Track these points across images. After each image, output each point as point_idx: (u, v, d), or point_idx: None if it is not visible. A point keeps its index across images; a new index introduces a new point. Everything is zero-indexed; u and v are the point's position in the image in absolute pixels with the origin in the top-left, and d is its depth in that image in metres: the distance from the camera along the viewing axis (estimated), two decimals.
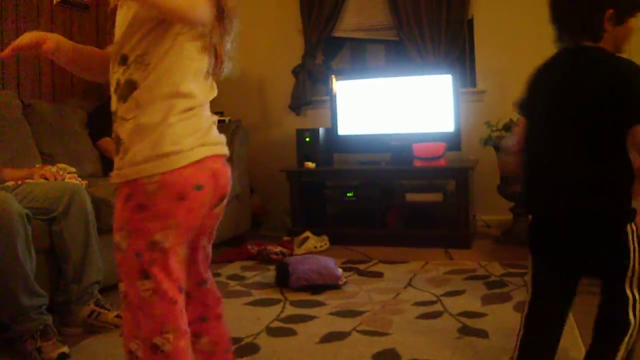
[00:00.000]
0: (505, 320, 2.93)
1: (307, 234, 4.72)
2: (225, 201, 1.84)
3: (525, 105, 2.13)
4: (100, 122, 4.53)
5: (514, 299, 3.25)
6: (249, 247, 4.51)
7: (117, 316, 2.99)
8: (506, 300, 3.25)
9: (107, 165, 4.47)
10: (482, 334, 2.77)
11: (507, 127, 4.65)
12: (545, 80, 2.05)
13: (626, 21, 1.91)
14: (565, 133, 1.92)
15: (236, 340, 2.76)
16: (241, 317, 3.13)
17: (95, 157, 4.51)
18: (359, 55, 6.23)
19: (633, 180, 1.85)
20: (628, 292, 1.89)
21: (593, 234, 1.90)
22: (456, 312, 3.09)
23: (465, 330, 2.82)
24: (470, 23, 5.42)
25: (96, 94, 5.03)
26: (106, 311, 3.02)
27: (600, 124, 1.85)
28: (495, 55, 5.34)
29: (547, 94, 2.01)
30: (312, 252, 4.52)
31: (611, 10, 1.88)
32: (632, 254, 1.87)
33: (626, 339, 1.88)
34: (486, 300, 3.27)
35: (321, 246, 4.69)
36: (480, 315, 3.03)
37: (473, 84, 5.48)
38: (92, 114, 4.63)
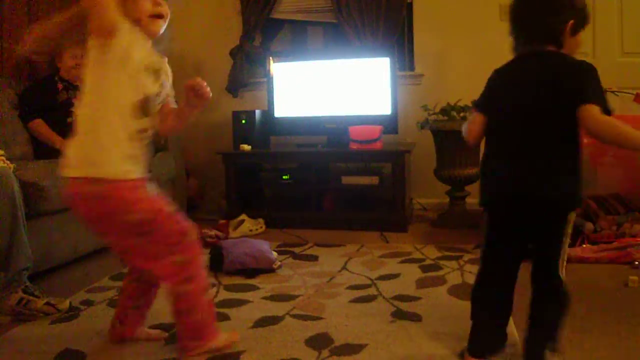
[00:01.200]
0: (440, 304, 2.94)
1: (243, 217, 4.68)
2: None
3: (488, 103, 2.27)
4: (32, 103, 4.41)
5: (449, 282, 3.27)
6: None
7: (47, 303, 2.92)
8: (441, 284, 3.26)
9: (38, 148, 4.35)
10: (415, 317, 2.76)
11: (444, 111, 4.66)
12: (518, 78, 2.19)
13: (578, 33, 2.16)
14: (538, 124, 2.08)
15: (169, 326, 2.71)
16: None
17: (26, 140, 4.37)
18: (299, 37, 6.19)
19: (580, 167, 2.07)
20: (560, 272, 2.12)
21: (545, 217, 2.10)
22: (390, 295, 3.08)
23: (398, 314, 2.81)
24: (410, 7, 5.42)
25: (27, 74, 4.88)
26: (35, 298, 2.93)
27: (564, 115, 2.01)
28: (433, 39, 5.36)
29: (522, 90, 2.15)
30: (248, 235, 4.48)
31: (572, 22, 2.11)
32: (564, 239, 2.10)
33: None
34: (421, 283, 3.28)
35: (257, 229, 4.65)
36: (415, 298, 3.03)
37: (411, 67, 5.49)
38: (23, 94, 4.49)
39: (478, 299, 2.29)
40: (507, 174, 2.13)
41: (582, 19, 2.15)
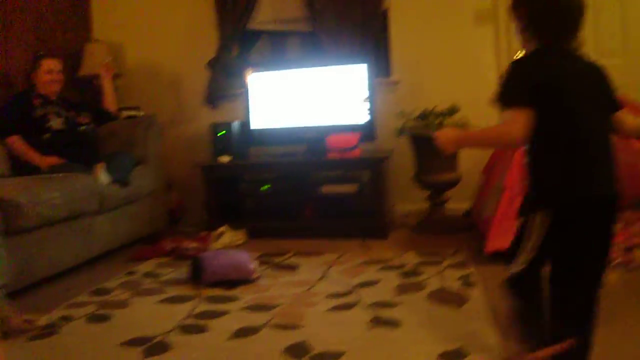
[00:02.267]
0: (419, 309, 2.95)
1: (224, 228, 4.68)
2: None
3: (539, 95, 2.01)
4: (10, 119, 4.39)
5: (428, 288, 3.28)
6: (165, 244, 4.44)
7: (26, 321, 2.91)
8: (420, 289, 3.27)
9: (16, 164, 4.34)
10: (394, 324, 2.77)
11: (422, 117, 4.68)
12: (577, 72, 2.08)
13: None
14: (599, 120, 2.05)
15: (147, 339, 2.71)
16: (154, 315, 3.07)
17: (3, 156, 4.35)
18: (278, 48, 6.20)
19: None
20: None
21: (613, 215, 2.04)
22: (369, 302, 3.09)
23: (377, 321, 2.82)
24: (385, 14, 5.44)
25: (4, 88, 4.86)
26: (12, 316, 2.92)
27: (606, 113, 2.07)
28: (410, 45, 5.38)
29: (574, 85, 2.04)
30: (229, 246, 4.48)
31: None
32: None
33: None
34: (400, 289, 3.29)
35: (238, 240, 4.65)
36: (394, 305, 3.04)
37: (387, 74, 5.51)
38: (0, 109, 4.48)
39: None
40: (592, 172, 2.00)
41: None
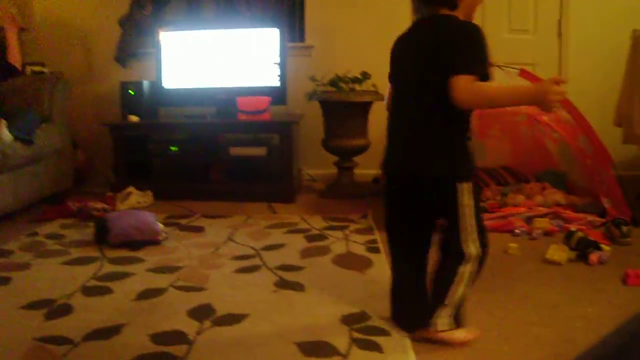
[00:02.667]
0: (323, 273, 3.01)
1: (131, 189, 4.63)
2: None
3: (391, 74, 2.30)
4: None
5: (333, 252, 3.34)
6: (70, 204, 4.37)
7: None
8: (325, 253, 3.33)
9: None
10: (298, 287, 2.82)
11: (333, 82, 4.72)
12: (402, 49, 2.23)
13: None
14: (411, 95, 2.14)
15: (49, 301, 2.67)
16: (57, 277, 3.02)
17: None
18: (193, 8, 6.10)
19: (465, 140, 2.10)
20: (463, 246, 2.12)
21: (427, 190, 2.13)
22: (274, 265, 3.13)
23: (281, 284, 2.86)
24: None
25: None
26: None
27: (434, 84, 2.03)
28: (324, 11, 5.39)
29: (404, 61, 2.20)
30: (136, 207, 4.44)
31: None
32: (461, 210, 2.09)
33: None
34: (305, 253, 3.34)
35: (145, 201, 4.61)
36: (299, 268, 3.08)
37: (301, 38, 5.51)
38: None
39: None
40: (390, 150, 2.21)
41: None
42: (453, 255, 2.13)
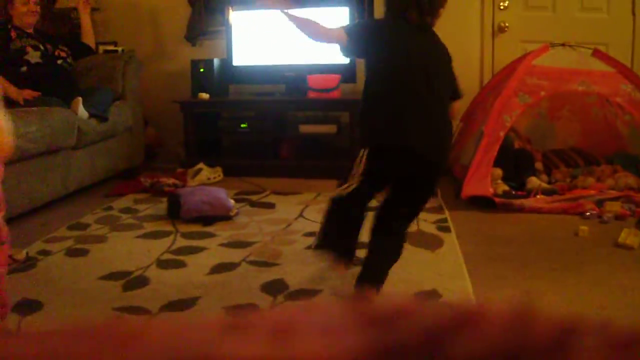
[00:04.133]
0: None
1: (201, 165, 4.68)
2: None
3: (396, 54, 2.39)
4: None
5: None
6: (142, 179, 4.44)
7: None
8: None
9: None
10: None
11: None
12: (420, 43, 2.40)
13: None
14: (434, 88, 2.33)
15: (126, 273, 2.74)
16: (132, 250, 3.09)
17: None
18: None
19: None
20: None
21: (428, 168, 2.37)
22: None
23: (353, 261, 2.86)
24: None
25: None
26: None
27: (445, 86, 2.41)
28: None
29: (428, 56, 2.39)
30: (206, 183, 4.49)
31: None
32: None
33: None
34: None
35: (215, 177, 4.66)
36: (365, 244, 3.07)
37: (371, 16, 5.47)
38: None
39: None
40: (401, 126, 2.34)
41: None
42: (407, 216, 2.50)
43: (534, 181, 4.02)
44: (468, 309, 0.31)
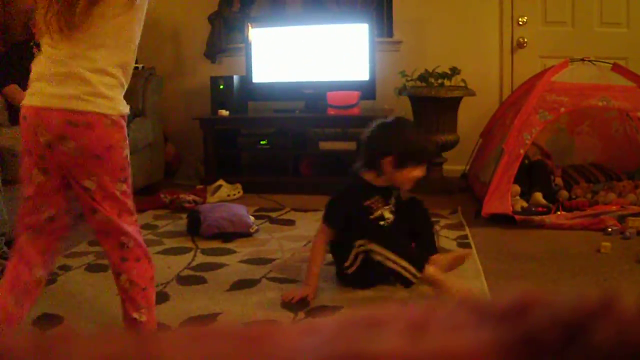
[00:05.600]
0: None
1: (221, 182, 4.69)
2: (70, 144, 1.95)
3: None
4: (6, 69, 4.36)
5: None
6: (162, 196, 4.45)
7: None
8: None
9: (15, 114, 4.31)
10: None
11: (422, 77, 4.69)
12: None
13: (404, 169, 2.66)
14: None
15: None
16: None
17: (1, 106, 4.33)
18: (278, 3, 6.15)
19: None
20: None
21: None
22: None
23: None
24: None
25: (1, 40, 4.82)
26: None
27: None
28: (412, 5, 5.35)
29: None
30: (226, 200, 4.49)
31: (391, 157, 2.60)
32: None
33: None
34: None
35: (234, 194, 4.67)
36: None
37: (390, 33, 5.48)
38: None
39: None
40: None
41: (408, 157, 2.61)
42: None
43: (563, 194, 4.03)
44: (595, 302, 0.32)
